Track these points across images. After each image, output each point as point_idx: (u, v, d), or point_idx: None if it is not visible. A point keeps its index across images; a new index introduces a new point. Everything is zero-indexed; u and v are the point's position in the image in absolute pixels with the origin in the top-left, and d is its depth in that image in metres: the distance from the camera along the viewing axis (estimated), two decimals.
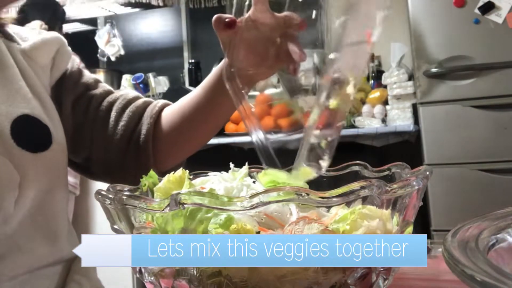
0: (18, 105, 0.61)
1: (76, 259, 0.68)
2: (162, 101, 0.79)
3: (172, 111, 0.76)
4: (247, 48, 0.63)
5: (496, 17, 1.95)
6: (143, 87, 3.04)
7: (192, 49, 3.19)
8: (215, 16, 0.61)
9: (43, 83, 0.68)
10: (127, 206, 0.38)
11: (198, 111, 0.73)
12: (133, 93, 0.80)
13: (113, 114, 0.75)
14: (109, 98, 0.76)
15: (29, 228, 0.59)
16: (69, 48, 0.74)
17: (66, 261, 0.65)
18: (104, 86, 0.78)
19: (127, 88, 3.09)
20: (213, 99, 0.72)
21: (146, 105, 0.78)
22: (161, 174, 0.50)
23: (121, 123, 0.74)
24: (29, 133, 0.60)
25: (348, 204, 0.39)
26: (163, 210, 0.36)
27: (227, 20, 0.60)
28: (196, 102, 0.73)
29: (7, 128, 0.58)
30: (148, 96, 3.07)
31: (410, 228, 0.41)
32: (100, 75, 3.07)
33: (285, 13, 0.64)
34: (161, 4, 2.96)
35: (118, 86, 3.13)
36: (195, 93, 0.74)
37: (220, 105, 0.72)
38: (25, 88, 0.64)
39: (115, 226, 0.41)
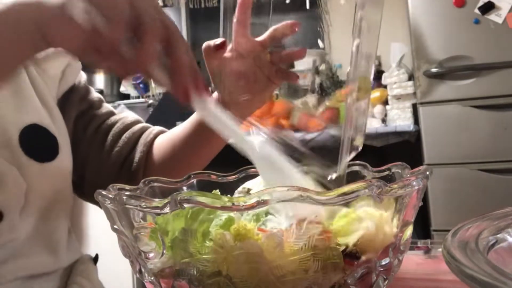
0: (27, 114, 0.60)
1: (77, 261, 0.68)
2: (157, 129, 0.79)
3: (163, 141, 0.76)
4: (237, 77, 0.63)
5: (496, 17, 1.95)
6: (143, 87, 3.04)
7: (192, 49, 3.17)
8: (204, 44, 0.62)
9: (51, 93, 0.68)
10: (127, 206, 0.38)
11: (187, 145, 0.73)
12: (132, 117, 0.80)
13: (109, 138, 0.75)
14: (109, 121, 0.76)
15: (32, 238, 0.59)
16: (80, 63, 0.74)
17: (66, 267, 0.65)
18: (107, 107, 0.78)
19: (127, 89, 3.08)
20: (202, 134, 0.71)
21: (142, 131, 0.78)
22: None
23: (116, 149, 0.74)
24: (37, 143, 0.60)
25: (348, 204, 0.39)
26: (163, 210, 0.36)
27: (217, 43, 0.61)
28: (185, 136, 0.73)
29: (16, 136, 0.58)
30: (148, 96, 3.07)
31: (410, 228, 0.41)
32: (100, 76, 3.07)
33: (268, 33, 0.64)
34: (161, 4, 2.96)
35: (118, 86, 3.12)
36: (184, 126, 0.74)
37: (209, 140, 0.71)
38: (35, 97, 0.63)
39: (115, 226, 0.41)
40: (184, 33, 3.19)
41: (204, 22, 3.14)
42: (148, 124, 0.80)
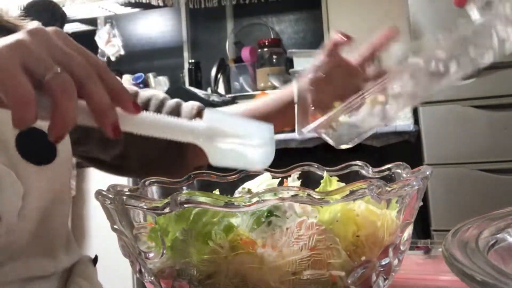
0: None
1: (77, 262, 0.67)
2: (197, 103, 0.81)
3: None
4: (331, 83, 0.67)
5: None
6: (143, 87, 3.04)
7: (192, 49, 3.19)
8: (334, 38, 0.67)
9: None
10: (127, 206, 0.38)
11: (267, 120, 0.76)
12: (159, 92, 0.82)
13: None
14: (140, 99, 0.78)
15: (30, 241, 0.59)
16: None
17: (65, 270, 0.65)
18: (131, 87, 0.79)
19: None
20: (267, 117, 0.74)
21: (179, 104, 0.79)
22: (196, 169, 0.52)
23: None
24: (34, 146, 0.60)
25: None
26: (163, 210, 0.35)
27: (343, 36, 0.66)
28: (247, 114, 0.75)
29: (13, 139, 0.57)
30: None
31: (410, 228, 0.41)
32: None
33: (366, 50, 0.67)
34: (161, 4, 2.95)
35: None
36: (247, 108, 0.77)
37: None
38: None
39: (115, 226, 0.41)
40: (184, 33, 3.19)
41: (204, 22, 3.14)
42: (179, 100, 0.82)
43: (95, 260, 0.72)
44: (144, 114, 0.42)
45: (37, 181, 0.58)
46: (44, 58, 0.38)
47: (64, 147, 0.65)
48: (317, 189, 0.46)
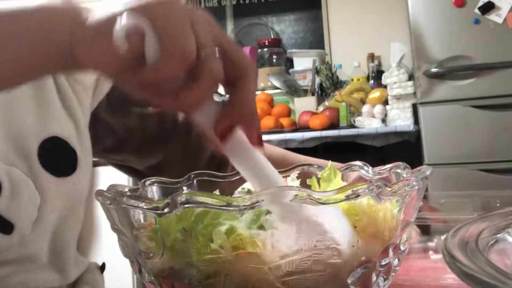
0: (50, 126, 0.59)
1: (85, 271, 0.67)
2: None
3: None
4: None
5: (496, 17, 1.95)
6: None
7: None
8: None
9: (82, 104, 0.65)
10: (127, 206, 0.38)
11: None
12: None
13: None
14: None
15: (42, 254, 0.58)
16: None
17: (72, 282, 0.65)
18: None
19: None
20: None
21: None
22: None
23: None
24: (55, 156, 0.58)
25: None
26: (163, 210, 0.35)
27: None
28: None
29: (35, 148, 0.57)
30: None
31: (410, 228, 0.41)
32: None
33: None
34: None
35: None
36: None
37: None
38: (61, 109, 0.61)
39: (115, 226, 0.41)
40: None
41: None
42: None
43: (102, 268, 0.71)
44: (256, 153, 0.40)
45: (54, 192, 0.57)
46: (207, 32, 0.35)
47: (87, 159, 0.63)
48: (320, 176, 0.48)
